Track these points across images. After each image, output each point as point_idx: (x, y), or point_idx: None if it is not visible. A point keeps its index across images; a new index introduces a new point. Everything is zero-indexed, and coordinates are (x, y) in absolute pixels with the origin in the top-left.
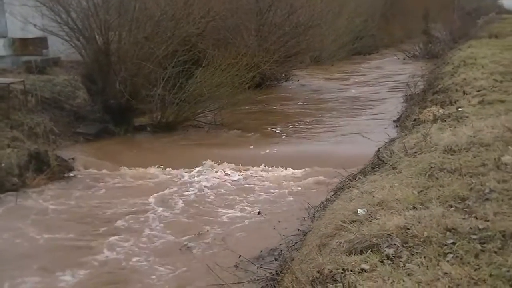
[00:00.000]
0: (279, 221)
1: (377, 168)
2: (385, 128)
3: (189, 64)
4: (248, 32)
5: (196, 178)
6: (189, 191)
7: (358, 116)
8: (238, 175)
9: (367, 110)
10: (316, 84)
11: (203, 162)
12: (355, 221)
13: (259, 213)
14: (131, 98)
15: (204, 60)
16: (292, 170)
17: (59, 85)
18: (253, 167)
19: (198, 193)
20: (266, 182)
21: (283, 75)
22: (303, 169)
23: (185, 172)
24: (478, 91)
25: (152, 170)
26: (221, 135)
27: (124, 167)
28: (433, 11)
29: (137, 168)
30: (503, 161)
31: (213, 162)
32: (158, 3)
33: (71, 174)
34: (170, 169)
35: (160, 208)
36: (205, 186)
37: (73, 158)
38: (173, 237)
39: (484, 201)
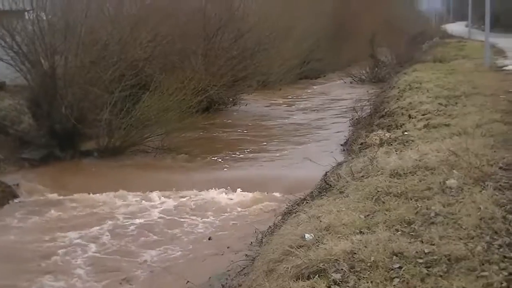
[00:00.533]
0: (228, 247)
1: (325, 193)
2: (332, 152)
3: (137, 88)
4: (196, 56)
5: (142, 204)
6: (135, 218)
7: (305, 141)
8: (186, 201)
9: (315, 134)
10: (263, 108)
11: (149, 190)
12: (303, 246)
13: (209, 238)
14: (77, 123)
15: (151, 84)
16: (240, 195)
17: (4, 110)
18: (200, 192)
19: (144, 220)
20: (214, 207)
21: (231, 99)
22: (251, 194)
23: (132, 198)
24: (423, 115)
25: (98, 197)
26: (168, 160)
27: (70, 194)
28: (380, 35)
29: (82, 194)
30: (448, 185)
31: (160, 187)
32: (105, 27)
33: (15, 201)
34: (116, 195)
35: (105, 237)
36: (152, 213)
37: (17, 184)
38: (112, 272)
39: (429, 224)
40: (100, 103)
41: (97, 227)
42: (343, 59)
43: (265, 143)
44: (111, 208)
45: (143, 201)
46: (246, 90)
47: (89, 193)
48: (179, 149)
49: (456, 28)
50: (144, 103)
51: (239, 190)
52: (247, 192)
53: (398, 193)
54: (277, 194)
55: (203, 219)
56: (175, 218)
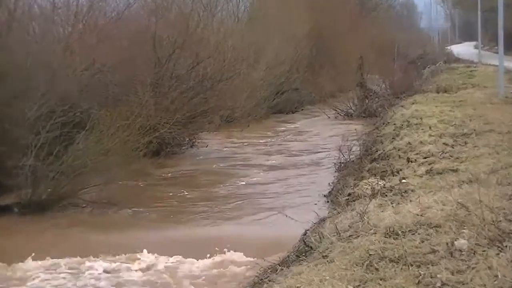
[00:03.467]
0: None
1: (304, 257)
2: (314, 205)
3: (69, 127)
4: (144, 87)
5: (76, 276)
6: None
7: (279, 191)
8: (130, 268)
9: (291, 183)
10: (228, 150)
11: (84, 257)
12: None
13: None
14: None
15: (87, 122)
16: (196, 260)
17: None
18: (147, 255)
19: None
20: (164, 276)
21: (187, 139)
22: (211, 259)
23: (63, 268)
24: (425, 158)
25: (17, 267)
26: (108, 216)
27: None
28: (370, 60)
29: None
30: (456, 247)
31: (97, 252)
32: (29, 51)
33: None
34: (41, 265)
35: None
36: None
37: None
38: None
39: None
40: (22, 146)
41: None
42: (325, 88)
43: (229, 194)
44: (33, 280)
45: (77, 273)
46: (206, 127)
47: (2, 262)
48: (122, 202)
49: (464, 49)
50: (78, 146)
51: (195, 253)
52: (205, 257)
53: (395, 257)
54: (243, 259)
55: None
56: None
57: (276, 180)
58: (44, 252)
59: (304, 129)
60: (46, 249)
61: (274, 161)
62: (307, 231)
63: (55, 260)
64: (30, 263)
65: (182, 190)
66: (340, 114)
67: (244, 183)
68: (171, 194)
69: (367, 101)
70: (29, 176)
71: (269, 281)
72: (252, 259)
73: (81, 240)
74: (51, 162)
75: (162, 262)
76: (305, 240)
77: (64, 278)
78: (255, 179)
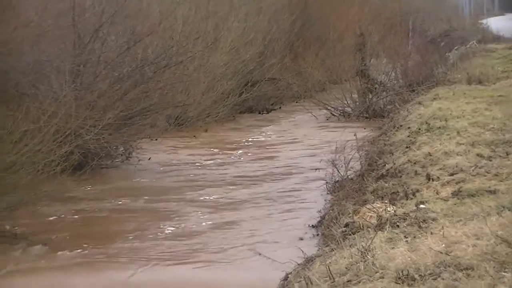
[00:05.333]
0: None
1: None
2: (299, 239)
3: None
4: (60, 76)
5: None
6: None
7: (251, 221)
8: None
9: (268, 210)
10: (177, 165)
11: None
12: None
13: None
14: None
15: None
16: None
17: None
18: None
19: None
20: None
21: (121, 149)
22: None
23: None
24: (451, 174)
25: None
26: (13, 255)
27: None
28: (373, 38)
29: None
30: None
31: None
32: None
33: None
34: None
35: None
36: None
37: None
38: None
39: None
40: None
41: None
42: (312, 78)
43: (182, 225)
44: None
45: None
46: (147, 133)
47: None
48: (34, 234)
49: (506, 24)
50: None
51: None
52: None
53: None
54: None
55: None
56: None
57: (245, 205)
58: None
59: (283, 135)
60: None
61: (239, 179)
62: (289, 275)
63: None
64: None
65: (114, 218)
66: (333, 114)
67: (201, 209)
68: (99, 224)
69: (370, 96)
70: None
71: None
72: None
73: None
74: None
75: None
76: None
77: None
78: (216, 202)
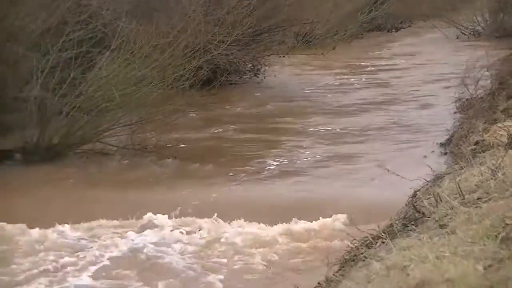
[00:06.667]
0: None
1: (413, 226)
2: (426, 157)
3: (88, 46)
4: None
5: (110, 246)
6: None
7: (379, 138)
8: (182, 236)
9: (395, 127)
10: (306, 82)
11: (126, 219)
12: None
13: None
14: None
15: (113, 39)
16: (270, 227)
17: None
18: (204, 220)
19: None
20: (229, 248)
21: (249, 65)
22: (287, 225)
23: (83, 240)
24: None
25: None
26: (146, 167)
27: None
28: None
29: None
30: None
31: (136, 215)
32: None
33: None
34: (56, 230)
35: None
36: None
37: None
38: None
39: None
40: (25, 71)
41: None
42: None
43: (310, 144)
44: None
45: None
46: (275, 50)
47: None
48: (163, 149)
49: None
50: (101, 71)
51: (267, 218)
52: (282, 221)
53: None
54: (333, 227)
55: (214, 267)
56: (163, 268)
57: (373, 123)
58: (59, 216)
59: (412, 53)
60: (57, 211)
61: (368, 97)
62: (417, 192)
63: (65, 227)
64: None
65: (246, 134)
66: (463, 33)
67: (329, 127)
68: (230, 140)
69: (502, 14)
70: (35, 112)
71: (366, 257)
72: (341, 227)
73: (108, 199)
74: (64, 93)
75: (222, 227)
76: (415, 204)
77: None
78: (345, 120)
